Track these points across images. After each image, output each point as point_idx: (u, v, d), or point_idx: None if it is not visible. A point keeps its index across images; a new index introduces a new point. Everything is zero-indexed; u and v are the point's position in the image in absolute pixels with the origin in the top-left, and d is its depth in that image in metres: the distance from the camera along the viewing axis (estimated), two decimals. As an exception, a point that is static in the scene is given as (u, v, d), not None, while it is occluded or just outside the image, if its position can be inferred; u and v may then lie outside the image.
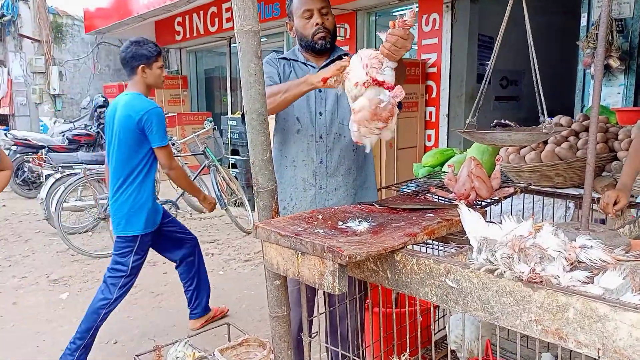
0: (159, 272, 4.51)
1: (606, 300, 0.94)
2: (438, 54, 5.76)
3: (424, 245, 1.60)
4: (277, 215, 1.54)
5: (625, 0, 4.22)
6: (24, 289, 4.24)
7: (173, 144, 6.05)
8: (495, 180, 1.84)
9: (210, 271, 4.44)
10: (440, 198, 1.91)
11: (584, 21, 4.54)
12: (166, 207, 5.16)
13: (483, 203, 1.86)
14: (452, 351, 2.07)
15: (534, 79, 1.51)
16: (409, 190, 1.98)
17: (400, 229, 1.40)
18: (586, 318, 0.97)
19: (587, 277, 1.08)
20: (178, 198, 5.41)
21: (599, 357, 0.96)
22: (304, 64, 2.13)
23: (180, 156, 6.05)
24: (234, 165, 6.61)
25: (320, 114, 2.12)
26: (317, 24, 2.06)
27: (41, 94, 9.98)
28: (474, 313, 1.15)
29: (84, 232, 5.68)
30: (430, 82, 5.91)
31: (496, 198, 1.85)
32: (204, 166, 5.51)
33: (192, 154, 5.85)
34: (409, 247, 1.35)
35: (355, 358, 1.65)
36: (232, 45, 9.02)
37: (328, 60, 2.12)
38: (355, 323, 2.08)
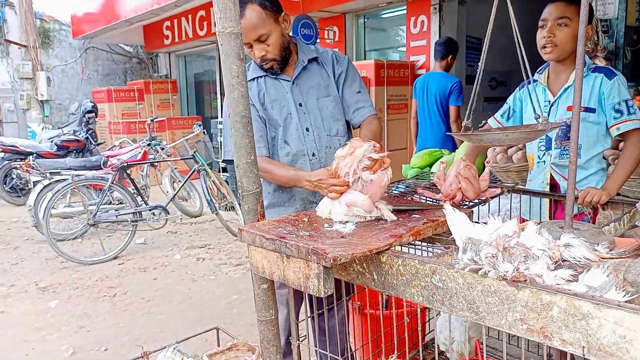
0: (149, 278, 4.48)
1: (589, 298, 0.94)
2: (426, 56, 5.79)
3: (411, 246, 1.59)
4: (262, 218, 1.53)
5: (610, 1, 4.27)
6: (12, 297, 4.18)
7: (162, 149, 6.03)
8: (483, 182, 1.84)
9: (202, 276, 4.43)
10: (427, 199, 1.91)
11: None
12: (156, 212, 5.14)
13: (471, 203, 1.86)
14: (441, 352, 2.07)
15: (525, 78, 1.51)
16: (397, 192, 1.97)
17: (386, 231, 1.40)
18: (570, 316, 0.97)
19: (572, 276, 1.08)
20: (168, 203, 5.38)
21: (584, 355, 0.96)
22: (274, 78, 2.02)
23: (169, 160, 6.03)
24: (224, 170, 6.59)
25: (307, 129, 2.03)
26: (258, 58, 1.95)
27: (29, 99, 9.89)
28: (460, 313, 1.15)
29: (73, 239, 5.62)
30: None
31: (483, 198, 1.85)
32: (194, 170, 5.49)
33: (181, 158, 5.82)
34: (397, 248, 1.35)
35: (344, 361, 1.64)
36: (221, 49, 9.00)
37: (299, 69, 2.02)
38: (343, 325, 2.08)
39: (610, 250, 1.18)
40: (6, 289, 4.36)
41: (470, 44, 6.43)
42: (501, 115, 2.38)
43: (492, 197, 1.84)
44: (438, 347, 2.04)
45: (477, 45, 6.58)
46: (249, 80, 1.98)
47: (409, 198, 1.86)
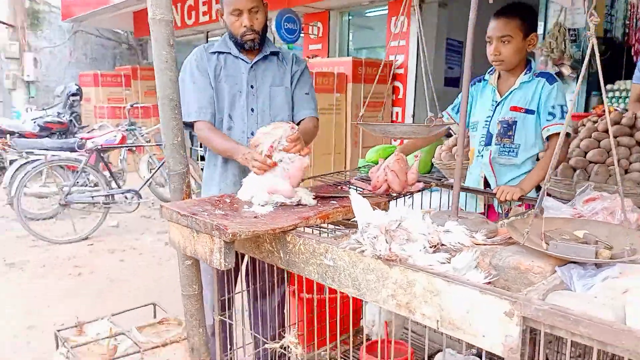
0: (117, 259, 4.55)
1: (443, 275, 1.04)
2: (405, 56, 5.88)
3: (330, 230, 1.68)
4: (188, 197, 1.62)
5: (578, 11, 4.37)
6: (-22, 272, 4.25)
7: (142, 135, 6.08)
8: (411, 175, 1.93)
9: (168, 259, 4.50)
10: (358, 189, 2.00)
11: (540, 29, 4.68)
12: (128, 196, 5.21)
13: (401, 195, 1.95)
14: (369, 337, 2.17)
15: (424, 78, 1.60)
16: (331, 181, 2.07)
17: (298, 214, 1.49)
18: (428, 292, 1.06)
19: (447, 259, 1.18)
20: (141, 187, 5.44)
21: (437, 328, 1.06)
22: (236, 57, 2.12)
23: (144, 145, 6.08)
24: (202, 158, 6.65)
25: (252, 110, 2.14)
26: (245, 26, 2.03)
27: (15, 80, 9.89)
28: (345, 289, 1.25)
29: (48, 219, 5.67)
30: (397, 83, 6.02)
31: (411, 191, 1.94)
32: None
33: (157, 144, 5.88)
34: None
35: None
36: (209, 38, 9.05)
37: (260, 57, 2.13)
38: (278, 310, 2.17)
39: (488, 238, 1.27)
40: (-28, 263, 4.43)
41: (451, 46, 6.53)
42: (451, 109, 2.48)
43: (417, 191, 1.93)
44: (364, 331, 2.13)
45: (458, 47, 6.68)
46: (211, 53, 2.12)
47: (339, 187, 1.95)
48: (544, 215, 1.36)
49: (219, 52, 2.13)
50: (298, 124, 2.21)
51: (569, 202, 1.61)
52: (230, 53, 2.13)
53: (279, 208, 1.57)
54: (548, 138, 2.14)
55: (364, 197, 1.76)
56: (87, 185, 5.65)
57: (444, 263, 1.16)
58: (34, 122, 8.12)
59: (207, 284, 1.85)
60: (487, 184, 2.26)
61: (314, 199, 1.68)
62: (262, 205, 1.57)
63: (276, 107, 2.17)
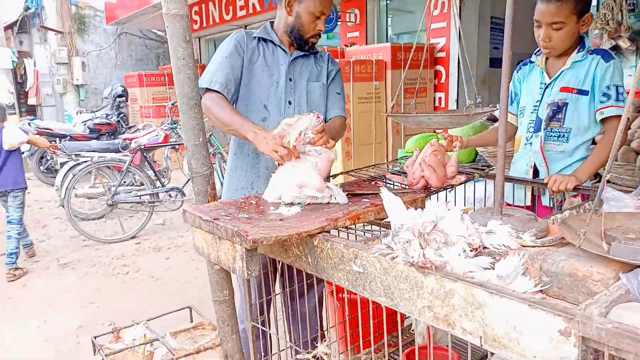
0: (162, 257, 4.61)
1: (485, 286, 0.91)
2: (446, 38, 5.62)
3: (367, 230, 1.57)
4: (213, 199, 1.55)
5: (637, -23, 4.01)
6: (35, 272, 4.41)
7: (178, 134, 6.14)
8: (450, 168, 1.79)
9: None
10: (395, 183, 1.88)
11: (593, 1, 4.34)
12: (172, 194, 5.27)
13: (441, 189, 1.82)
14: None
15: (463, 64, 1.46)
16: (366, 176, 1.95)
17: (326, 214, 1.39)
18: (469, 304, 0.94)
19: (490, 264, 1.04)
20: (184, 185, 5.49)
21: (481, 345, 0.93)
22: (278, 46, 2.07)
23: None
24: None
25: (290, 103, 2.08)
26: (319, 29, 2.03)
27: (65, 84, 10.27)
28: (378, 299, 1.14)
29: (98, 219, 5.83)
30: (439, 67, 5.78)
31: (452, 184, 1.80)
32: (209, 154, 5.57)
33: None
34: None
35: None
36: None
37: (301, 53, 2.08)
38: (316, 311, 2.08)
39: (538, 238, 1.13)
40: (30, 264, 4.60)
41: (496, 25, 6.20)
42: None
43: (459, 184, 1.79)
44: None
45: (503, 26, 6.34)
46: (253, 37, 2.07)
47: (374, 182, 1.83)
48: (603, 209, 1.20)
49: (260, 39, 2.07)
50: (326, 121, 2.14)
51: (632, 191, 1.42)
52: (272, 41, 2.08)
53: (306, 209, 1.47)
54: (602, 122, 1.93)
55: (400, 193, 1.65)
56: (133, 184, 5.77)
57: (487, 269, 1.03)
58: (84, 125, 8.42)
59: (241, 287, 1.78)
60: (535, 174, 2.07)
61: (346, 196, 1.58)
62: (290, 206, 1.47)
63: (313, 102, 2.13)
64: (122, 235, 5.15)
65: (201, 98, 1.88)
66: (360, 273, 1.16)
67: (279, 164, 1.60)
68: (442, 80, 5.76)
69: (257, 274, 1.24)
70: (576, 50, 2.00)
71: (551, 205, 1.94)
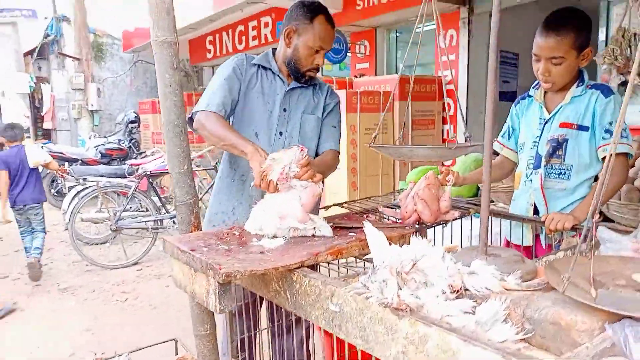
0: (162, 284, 4.56)
1: (459, 332, 0.85)
2: (455, 71, 5.63)
3: (350, 267, 1.52)
4: (196, 229, 1.51)
5: (645, 14, 3.98)
6: (35, 296, 4.39)
7: (192, 160, 6.17)
8: (444, 202, 1.74)
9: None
10: (390, 217, 1.83)
11: (602, 36, 4.32)
12: (176, 220, 5.24)
13: (434, 225, 1.76)
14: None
15: (457, 98, 1.42)
16: (359, 209, 1.90)
17: (309, 248, 1.34)
18: (442, 352, 0.88)
19: (472, 307, 0.98)
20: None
21: (456, 398, 0.86)
22: (276, 75, 2.06)
23: (196, 170, 6.16)
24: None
25: (281, 134, 2.05)
26: (317, 64, 2.02)
27: (80, 109, 10.47)
28: (353, 340, 1.08)
29: (102, 244, 5.82)
30: (447, 100, 5.77)
31: (446, 219, 1.75)
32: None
33: (203, 169, 5.93)
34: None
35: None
36: (259, 63, 9.16)
37: (297, 85, 2.06)
38: (302, 347, 2.01)
39: (524, 281, 1.06)
40: (31, 288, 4.58)
41: (504, 58, 6.20)
42: (502, 136, 2.28)
43: (453, 220, 1.73)
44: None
45: (512, 60, 6.34)
46: (253, 63, 2.05)
47: (365, 216, 1.78)
48: (596, 252, 1.13)
49: (259, 66, 2.06)
50: (318, 154, 2.11)
51: (632, 232, 1.35)
52: (270, 69, 2.06)
53: (290, 242, 1.42)
54: (604, 159, 1.87)
55: (389, 228, 1.59)
56: (139, 210, 5.77)
57: (467, 313, 0.97)
58: (96, 149, 8.53)
59: (224, 321, 1.73)
60: (536, 212, 2.00)
61: (332, 228, 1.53)
62: (272, 239, 1.43)
63: (305, 134, 2.09)
64: (125, 261, 5.12)
65: (192, 122, 1.87)
66: (336, 312, 1.10)
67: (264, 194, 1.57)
68: (451, 113, 5.73)
69: (230, 310, 1.19)
70: (575, 85, 1.95)
71: (549, 244, 1.86)
